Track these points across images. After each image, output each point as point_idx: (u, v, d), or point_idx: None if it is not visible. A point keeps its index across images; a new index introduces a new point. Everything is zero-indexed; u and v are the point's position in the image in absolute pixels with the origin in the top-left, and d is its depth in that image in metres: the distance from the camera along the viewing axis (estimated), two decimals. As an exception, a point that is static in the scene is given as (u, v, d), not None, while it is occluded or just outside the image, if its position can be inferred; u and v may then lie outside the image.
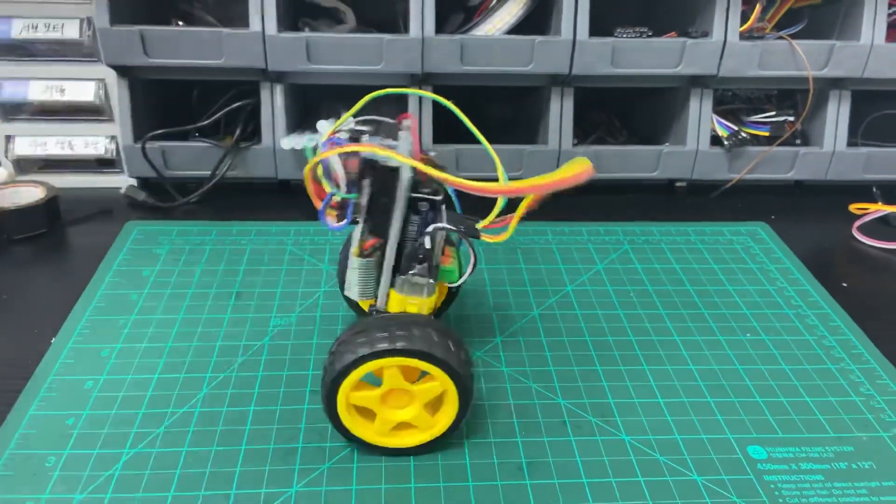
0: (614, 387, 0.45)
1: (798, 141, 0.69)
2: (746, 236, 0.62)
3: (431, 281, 0.39)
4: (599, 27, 0.62)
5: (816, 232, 0.64)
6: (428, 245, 0.39)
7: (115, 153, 0.64)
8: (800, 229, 0.64)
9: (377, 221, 0.38)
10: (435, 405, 0.39)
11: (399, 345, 0.36)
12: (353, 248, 0.39)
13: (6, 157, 0.63)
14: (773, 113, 0.68)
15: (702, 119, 0.66)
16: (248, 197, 0.66)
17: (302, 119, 0.69)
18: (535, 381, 0.45)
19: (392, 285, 0.40)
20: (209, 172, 0.63)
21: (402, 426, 0.39)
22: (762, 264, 0.58)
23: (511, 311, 0.52)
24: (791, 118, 0.68)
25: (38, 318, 0.49)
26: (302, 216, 0.63)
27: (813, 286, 0.55)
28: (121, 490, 0.36)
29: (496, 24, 0.63)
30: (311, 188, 0.39)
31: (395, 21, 0.67)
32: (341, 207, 0.39)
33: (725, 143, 0.66)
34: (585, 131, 0.72)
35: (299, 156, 0.63)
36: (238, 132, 0.63)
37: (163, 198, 0.63)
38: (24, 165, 0.65)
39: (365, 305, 0.45)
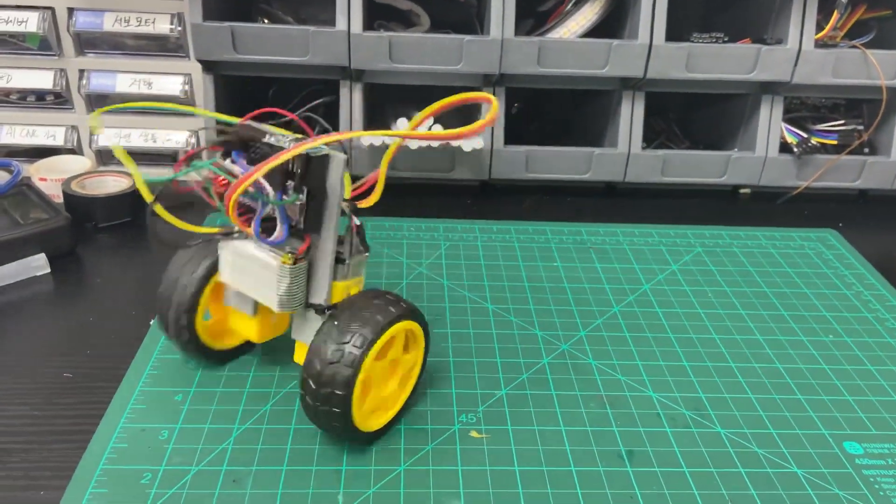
0: (703, 382, 0.45)
1: (866, 150, 0.69)
2: (817, 242, 0.62)
3: (367, 253, 0.39)
4: (671, 32, 0.63)
5: (885, 239, 0.64)
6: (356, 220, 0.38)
7: (195, 147, 0.65)
8: (869, 237, 0.64)
9: (311, 218, 0.37)
10: (404, 379, 0.40)
11: (404, 305, 0.37)
12: (281, 258, 0.36)
13: (90, 147, 0.65)
14: (842, 122, 0.68)
15: (772, 126, 0.67)
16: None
17: (371, 118, 0.70)
18: (623, 373, 0.46)
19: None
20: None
21: (378, 408, 0.39)
22: (836, 269, 0.58)
23: (591, 306, 0.52)
24: (860, 127, 0.68)
25: (133, 302, 0.50)
26: (374, 212, 0.63)
27: (889, 291, 0.56)
28: (235, 463, 0.37)
29: (571, 28, 0.64)
30: (233, 211, 0.35)
31: (467, 23, 0.68)
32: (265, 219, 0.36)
33: (795, 150, 0.67)
34: (647, 138, 0.73)
35: (375, 152, 0.65)
36: (317, 129, 0.64)
37: (239, 191, 0.64)
38: (104, 157, 0.67)
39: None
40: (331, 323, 0.36)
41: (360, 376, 0.35)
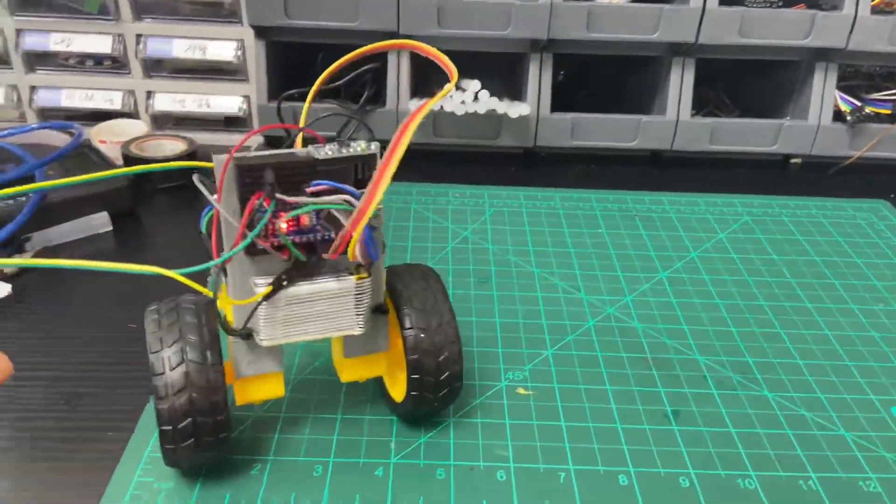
0: (750, 346, 0.45)
1: (922, 119, 0.68)
2: (869, 213, 0.61)
3: None
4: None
5: (940, 212, 0.63)
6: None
7: (246, 112, 0.66)
8: (923, 208, 0.63)
9: None
10: None
11: (429, 268, 0.38)
12: (354, 276, 0.32)
13: (146, 112, 0.67)
14: (898, 90, 0.67)
15: (825, 93, 0.65)
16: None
17: (417, 85, 0.70)
18: (669, 337, 0.46)
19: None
20: (333, 133, 0.66)
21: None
22: (888, 239, 0.58)
23: (637, 272, 0.52)
24: (917, 96, 0.66)
25: (191, 260, 0.52)
26: (420, 178, 0.65)
27: (943, 263, 0.55)
28: (293, 410, 0.39)
29: (621, -7, 0.63)
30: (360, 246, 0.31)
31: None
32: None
33: (848, 118, 0.65)
34: (695, 107, 0.72)
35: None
36: (365, 95, 0.65)
37: (289, 156, 0.65)
38: (159, 121, 0.68)
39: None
40: (416, 312, 0.35)
41: None
